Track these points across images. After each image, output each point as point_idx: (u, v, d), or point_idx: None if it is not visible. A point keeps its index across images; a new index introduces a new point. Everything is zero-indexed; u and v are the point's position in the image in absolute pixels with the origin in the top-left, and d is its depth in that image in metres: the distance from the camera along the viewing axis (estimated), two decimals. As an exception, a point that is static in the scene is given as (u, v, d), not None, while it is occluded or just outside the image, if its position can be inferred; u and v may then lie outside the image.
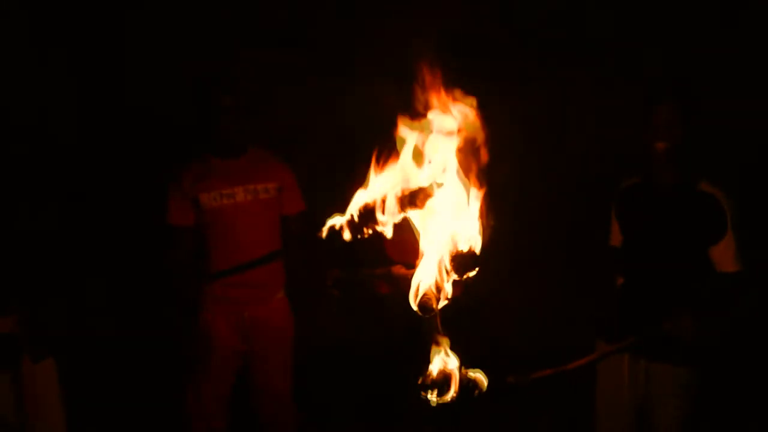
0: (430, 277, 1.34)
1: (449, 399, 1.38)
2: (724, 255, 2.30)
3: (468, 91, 1.36)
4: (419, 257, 1.38)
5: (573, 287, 3.47)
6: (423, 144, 1.34)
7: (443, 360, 1.39)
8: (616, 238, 2.60)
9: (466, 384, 1.40)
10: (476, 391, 1.40)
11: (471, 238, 1.33)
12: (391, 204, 1.32)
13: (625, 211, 2.54)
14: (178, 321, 2.82)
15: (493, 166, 1.41)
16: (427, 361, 1.41)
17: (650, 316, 2.35)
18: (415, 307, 1.35)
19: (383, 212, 1.33)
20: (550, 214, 3.63)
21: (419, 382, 1.39)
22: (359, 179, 1.38)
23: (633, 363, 2.44)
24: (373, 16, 3.40)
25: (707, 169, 2.36)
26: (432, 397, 1.37)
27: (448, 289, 1.35)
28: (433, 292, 1.34)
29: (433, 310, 1.34)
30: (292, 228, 2.91)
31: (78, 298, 2.66)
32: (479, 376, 1.42)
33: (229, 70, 2.99)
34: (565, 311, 3.49)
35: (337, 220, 1.37)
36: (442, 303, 1.36)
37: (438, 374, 1.38)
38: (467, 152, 1.32)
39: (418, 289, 1.35)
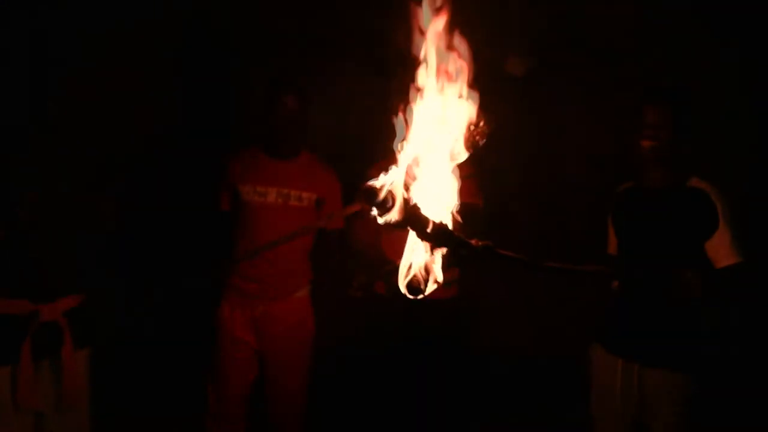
0: (419, 258, 1.34)
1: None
2: (719, 249, 2.29)
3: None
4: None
5: (569, 291, 3.48)
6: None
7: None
8: (612, 245, 2.61)
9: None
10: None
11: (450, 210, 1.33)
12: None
13: (618, 215, 2.56)
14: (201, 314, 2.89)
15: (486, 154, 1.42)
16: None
17: (646, 319, 2.37)
18: (403, 289, 1.36)
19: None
20: (546, 215, 3.66)
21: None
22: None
23: (626, 368, 2.42)
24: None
25: (699, 167, 2.38)
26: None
27: (437, 272, 1.36)
28: (422, 274, 1.35)
29: (422, 291, 1.35)
30: (327, 243, 2.95)
31: (114, 290, 2.72)
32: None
33: (296, 75, 3.10)
34: (560, 314, 3.50)
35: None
36: (431, 286, 1.37)
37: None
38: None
39: (408, 271, 1.36)
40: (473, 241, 1.34)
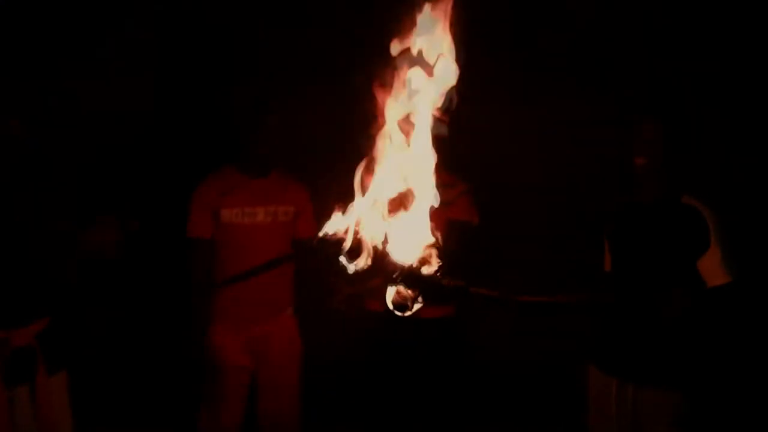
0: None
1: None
2: (711, 268, 2.29)
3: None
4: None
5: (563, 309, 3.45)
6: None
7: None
8: (608, 262, 2.60)
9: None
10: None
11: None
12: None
13: (612, 231, 2.56)
14: (192, 338, 2.83)
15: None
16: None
17: (640, 339, 2.35)
18: (390, 306, 1.33)
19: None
20: (546, 232, 3.64)
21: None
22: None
23: (621, 389, 2.41)
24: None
25: (691, 184, 2.38)
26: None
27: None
28: (407, 292, 1.32)
29: (408, 308, 1.32)
30: (304, 249, 2.91)
31: (92, 311, 2.66)
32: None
33: (275, 92, 3.10)
34: (555, 332, 3.46)
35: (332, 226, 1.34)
36: (417, 304, 1.34)
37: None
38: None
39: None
40: (445, 281, 1.33)
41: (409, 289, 1.32)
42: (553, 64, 3.54)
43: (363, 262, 1.27)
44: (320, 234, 1.29)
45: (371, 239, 1.28)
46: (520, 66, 3.51)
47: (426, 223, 1.33)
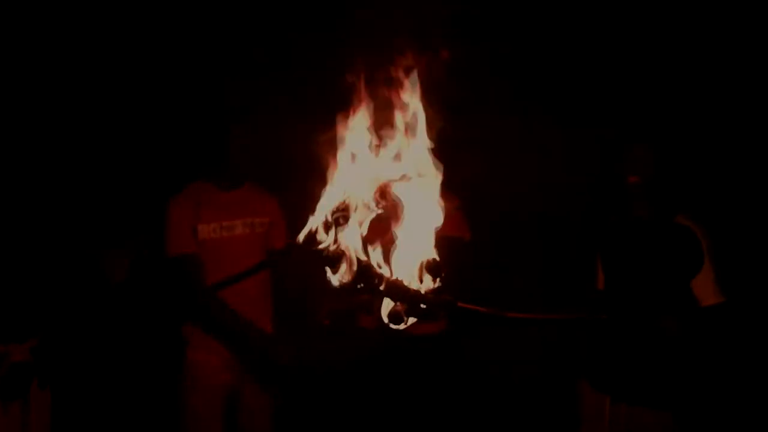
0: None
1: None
2: (704, 288, 2.31)
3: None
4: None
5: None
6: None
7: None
8: (601, 280, 2.61)
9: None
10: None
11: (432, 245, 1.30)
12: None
13: (605, 249, 2.56)
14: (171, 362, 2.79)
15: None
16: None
17: (634, 357, 2.35)
18: (385, 319, 1.33)
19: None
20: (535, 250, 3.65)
21: None
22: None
23: (614, 407, 2.41)
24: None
25: (685, 203, 2.40)
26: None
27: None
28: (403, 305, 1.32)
29: (404, 321, 1.32)
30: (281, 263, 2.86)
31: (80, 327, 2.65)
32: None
33: (248, 103, 3.03)
34: (546, 350, 3.47)
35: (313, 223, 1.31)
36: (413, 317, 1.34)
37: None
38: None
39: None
40: (433, 296, 1.30)
41: (394, 302, 1.29)
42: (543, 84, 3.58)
43: (344, 273, 1.25)
44: (299, 238, 1.26)
45: (353, 250, 1.25)
46: (514, 88, 3.54)
47: (426, 240, 1.31)
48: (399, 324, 1.31)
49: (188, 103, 3.46)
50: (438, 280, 1.28)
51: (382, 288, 1.27)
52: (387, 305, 1.31)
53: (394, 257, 1.31)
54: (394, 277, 1.28)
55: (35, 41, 3.24)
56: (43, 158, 2.68)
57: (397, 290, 1.28)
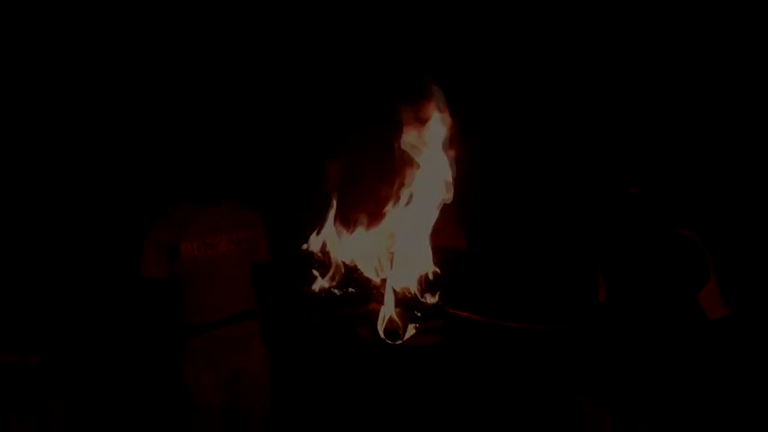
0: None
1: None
2: (711, 300, 2.27)
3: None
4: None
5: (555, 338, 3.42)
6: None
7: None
8: (603, 293, 2.57)
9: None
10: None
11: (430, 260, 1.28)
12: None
13: (607, 262, 2.53)
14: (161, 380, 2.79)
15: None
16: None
17: (635, 373, 2.32)
18: (381, 334, 1.30)
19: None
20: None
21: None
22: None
23: (615, 422, 2.37)
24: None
25: (687, 214, 2.37)
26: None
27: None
28: (399, 320, 1.29)
29: (400, 336, 1.28)
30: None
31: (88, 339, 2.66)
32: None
33: (224, 121, 3.04)
34: (548, 364, 3.43)
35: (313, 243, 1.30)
36: (410, 331, 1.30)
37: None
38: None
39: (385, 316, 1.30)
40: (424, 301, 1.28)
41: (382, 305, 1.28)
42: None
43: (332, 279, 1.25)
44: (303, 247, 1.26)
45: (340, 256, 1.25)
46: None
47: (424, 249, 1.29)
48: (395, 340, 1.28)
49: (168, 124, 3.47)
50: (437, 294, 1.26)
51: (373, 292, 1.27)
52: (383, 320, 1.27)
53: (393, 267, 1.29)
54: (382, 281, 1.27)
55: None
56: (50, 171, 2.75)
57: (387, 294, 1.26)
